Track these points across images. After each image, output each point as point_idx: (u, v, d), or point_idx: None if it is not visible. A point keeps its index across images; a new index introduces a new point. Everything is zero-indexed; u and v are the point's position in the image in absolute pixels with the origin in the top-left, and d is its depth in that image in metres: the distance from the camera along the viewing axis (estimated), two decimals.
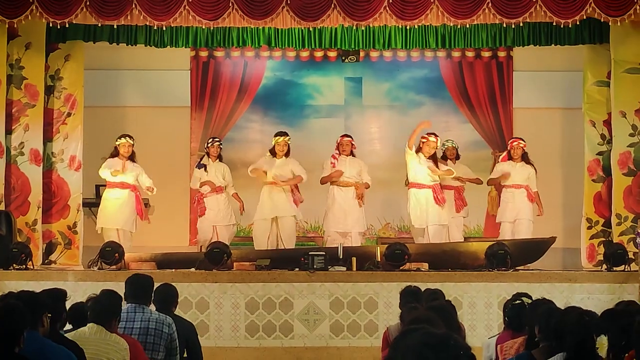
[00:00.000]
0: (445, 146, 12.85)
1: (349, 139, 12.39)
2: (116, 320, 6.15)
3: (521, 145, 12.32)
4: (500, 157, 12.68)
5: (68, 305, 6.09)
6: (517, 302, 6.49)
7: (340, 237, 11.93)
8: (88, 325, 5.87)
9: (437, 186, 12.03)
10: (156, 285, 7.12)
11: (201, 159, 12.59)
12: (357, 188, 12.14)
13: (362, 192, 12.15)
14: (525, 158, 12.33)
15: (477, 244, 11.81)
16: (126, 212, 11.93)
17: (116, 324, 6.13)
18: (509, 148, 12.45)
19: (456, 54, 14.21)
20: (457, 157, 12.97)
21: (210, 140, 12.60)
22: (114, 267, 10.67)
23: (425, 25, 12.02)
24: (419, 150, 12.03)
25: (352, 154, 12.35)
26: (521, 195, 12.19)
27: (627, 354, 4.71)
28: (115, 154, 12.04)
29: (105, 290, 6.35)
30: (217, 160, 12.46)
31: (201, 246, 12.24)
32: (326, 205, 12.26)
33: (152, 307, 6.90)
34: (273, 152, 12.29)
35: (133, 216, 12.00)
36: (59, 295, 5.95)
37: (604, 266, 11.21)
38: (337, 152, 12.30)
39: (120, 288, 6.75)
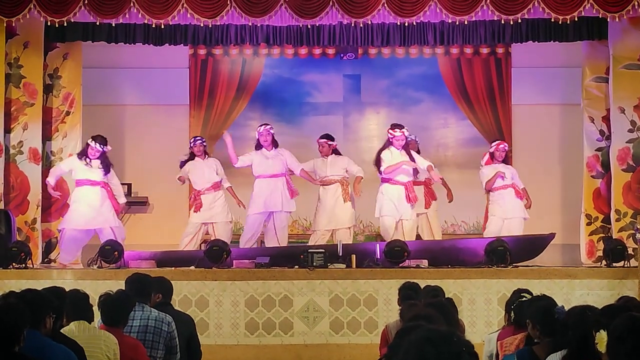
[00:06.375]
0: (409, 139, 12.58)
1: (324, 140, 12.21)
2: (125, 321, 6.25)
3: (505, 148, 12.26)
4: (484, 160, 12.28)
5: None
6: (524, 298, 6.45)
7: (327, 234, 11.89)
8: (73, 323, 5.84)
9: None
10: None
11: (186, 160, 12.40)
12: (342, 184, 12.06)
13: (357, 186, 11.83)
14: (505, 160, 12.26)
15: (476, 240, 11.79)
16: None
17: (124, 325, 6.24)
18: (493, 150, 12.25)
19: (454, 50, 14.20)
20: (418, 151, 12.55)
21: (192, 140, 12.44)
22: (114, 265, 10.66)
23: (423, 22, 12.01)
24: (389, 144, 11.80)
25: (333, 152, 12.17)
26: (510, 194, 12.05)
27: None
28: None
29: (120, 290, 6.42)
30: (205, 157, 12.36)
31: (186, 245, 12.08)
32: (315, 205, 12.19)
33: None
34: (259, 146, 12.18)
35: None
36: (60, 293, 5.96)
37: (604, 262, 11.22)
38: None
39: (120, 286, 6.79)
